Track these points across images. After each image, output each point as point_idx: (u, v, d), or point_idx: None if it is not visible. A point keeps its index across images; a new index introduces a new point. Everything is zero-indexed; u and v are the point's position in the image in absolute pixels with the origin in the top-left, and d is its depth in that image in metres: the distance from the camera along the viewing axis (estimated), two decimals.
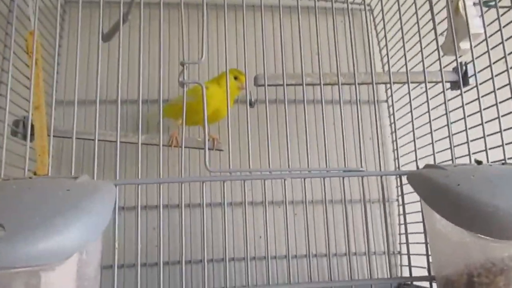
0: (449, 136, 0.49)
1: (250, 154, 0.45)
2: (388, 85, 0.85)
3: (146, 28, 0.82)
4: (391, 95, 0.80)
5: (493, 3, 0.58)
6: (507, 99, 0.53)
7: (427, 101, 0.54)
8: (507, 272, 0.37)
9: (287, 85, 0.58)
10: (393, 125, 0.80)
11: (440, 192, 0.40)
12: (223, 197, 0.46)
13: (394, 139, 0.73)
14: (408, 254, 0.51)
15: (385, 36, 0.67)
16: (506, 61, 0.54)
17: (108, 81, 0.76)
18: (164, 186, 0.54)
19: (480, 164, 0.45)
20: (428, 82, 0.62)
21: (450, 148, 0.49)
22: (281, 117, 0.80)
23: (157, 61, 0.63)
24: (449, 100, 0.70)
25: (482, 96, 0.56)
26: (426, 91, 0.57)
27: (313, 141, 0.77)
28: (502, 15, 0.58)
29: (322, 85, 0.58)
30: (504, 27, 0.56)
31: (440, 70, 0.55)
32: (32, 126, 0.71)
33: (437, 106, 0.63)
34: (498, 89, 0.54)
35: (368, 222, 0.79)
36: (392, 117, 0.81)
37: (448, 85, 0.70)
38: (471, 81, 0.66)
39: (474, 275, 0.38)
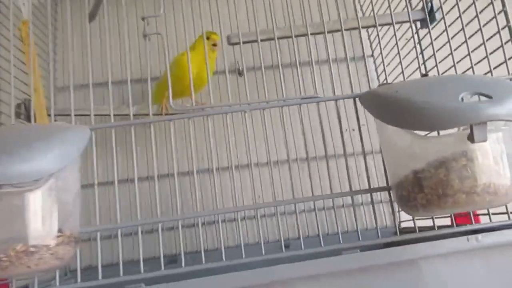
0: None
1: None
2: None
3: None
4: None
5: None
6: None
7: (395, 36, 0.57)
8: (446, 163, 0.40)
9: (261, 40, 0.61)
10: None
11: (381, 101, 0.43)
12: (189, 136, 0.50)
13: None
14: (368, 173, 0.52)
15: None
16: None
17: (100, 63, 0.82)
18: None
19: (425, 76, 0.48)
20: (397, 22, 0.65)
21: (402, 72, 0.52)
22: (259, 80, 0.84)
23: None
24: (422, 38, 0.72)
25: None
26: (393, 28, 0.60)
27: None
28: None
29: (294, 37, 0.61)
30: None
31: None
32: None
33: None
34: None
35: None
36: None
37: (419, 25, 0.73)
38: (438, 16, 0.68)
39: (418, 171, 0.41)
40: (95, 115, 0.56)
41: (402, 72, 0.56)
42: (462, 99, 0.38)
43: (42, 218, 0.38)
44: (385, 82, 0.49)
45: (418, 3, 0.71)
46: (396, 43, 0.60)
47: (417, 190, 0.41)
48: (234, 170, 0.81)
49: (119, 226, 0.45)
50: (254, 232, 0.84)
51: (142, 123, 0.49)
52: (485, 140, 0.37)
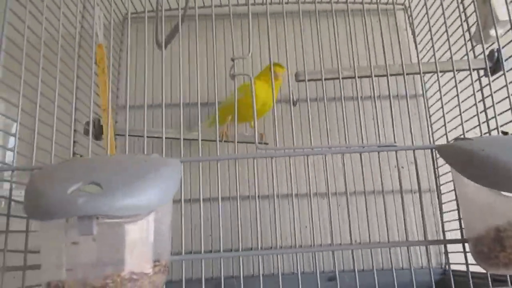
0: (477, 114, 0.53)
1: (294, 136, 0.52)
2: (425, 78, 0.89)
3: (194, 38, 0.91)
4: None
5: None
6: None
7: (456, 86, 0.58)
8: None
9: (325, 79, 0.64)
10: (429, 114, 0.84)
11: (466, 157, 0.44)
12: (272, 175, 0.52)
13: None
14: (442, 219, 0.55)
15: (413, 31, 0.71)
16: None
17: (165, 86, 0.86)
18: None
19: (505, 134, 0.49)
20: (457, 70, 0.66)
21: (478, 124, 0.53)
22: (321, 112, 0.86)
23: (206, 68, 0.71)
24: (484, 86, 0.73)
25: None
26: (454, 77, 0.61)
27: (352, 127, 0.83)
28: None
29: (357, 78, 0.63)
30: None
31: (467, 57, 0.59)
32: (101, 126, 0.82)
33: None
34: None
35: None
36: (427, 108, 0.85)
37: (482, 72, 0.74)
38: (507, 65, 0.69)
39: (500, 230, 0.42)
40: (148, 137, 0.60)
41: (462, 125, 0.57)
42: None
43: (144, 247, 0.41)
44: (461, 136, 0.50)
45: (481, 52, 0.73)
46: (457, 93, 0.61)
47: (499, 248, 0.42)
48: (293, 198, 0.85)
49: (201, 257, 0.48)
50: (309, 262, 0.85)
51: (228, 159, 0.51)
52: None
